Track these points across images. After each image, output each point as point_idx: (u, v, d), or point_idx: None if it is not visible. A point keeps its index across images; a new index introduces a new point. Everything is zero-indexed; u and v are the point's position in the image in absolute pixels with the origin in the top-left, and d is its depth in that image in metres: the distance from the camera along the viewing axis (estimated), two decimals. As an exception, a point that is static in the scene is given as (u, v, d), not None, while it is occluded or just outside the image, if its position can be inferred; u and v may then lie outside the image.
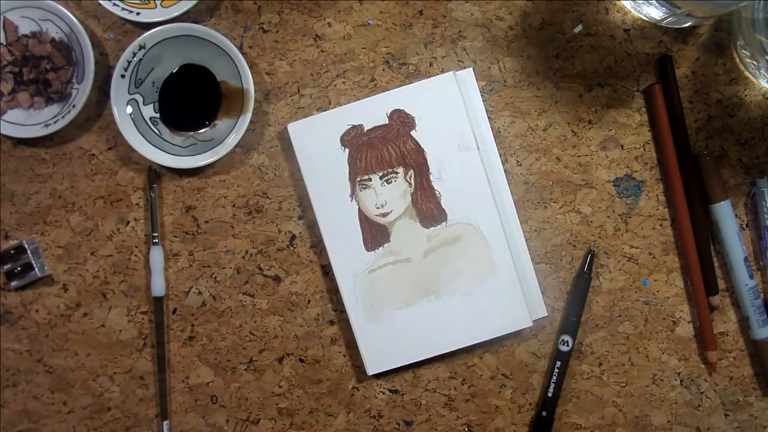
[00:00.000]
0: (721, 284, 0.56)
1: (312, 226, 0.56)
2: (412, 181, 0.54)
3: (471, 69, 0.55)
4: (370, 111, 0.54)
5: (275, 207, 0.56)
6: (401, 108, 0.54)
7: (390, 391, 0.56)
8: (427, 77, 0.55)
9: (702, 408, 0.56)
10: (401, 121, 0.54)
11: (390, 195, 0.54)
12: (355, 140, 0.54)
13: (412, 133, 0.54)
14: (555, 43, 0.56)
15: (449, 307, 0.54)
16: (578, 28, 0.56)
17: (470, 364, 0.56)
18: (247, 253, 0.56)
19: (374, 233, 0.54)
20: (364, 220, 0.54)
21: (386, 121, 0.54)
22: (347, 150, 0.54)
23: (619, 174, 0.56)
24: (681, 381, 0.56)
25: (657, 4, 0.53)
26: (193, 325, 0.56)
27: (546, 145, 0.56)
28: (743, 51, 0.55)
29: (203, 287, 0.56)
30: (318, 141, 0.54)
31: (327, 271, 0.56)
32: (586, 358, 0.56)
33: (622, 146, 0.56)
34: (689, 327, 0.56)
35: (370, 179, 0.54)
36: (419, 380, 0.56)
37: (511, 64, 0.56)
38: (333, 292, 0.56)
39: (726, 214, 0.55)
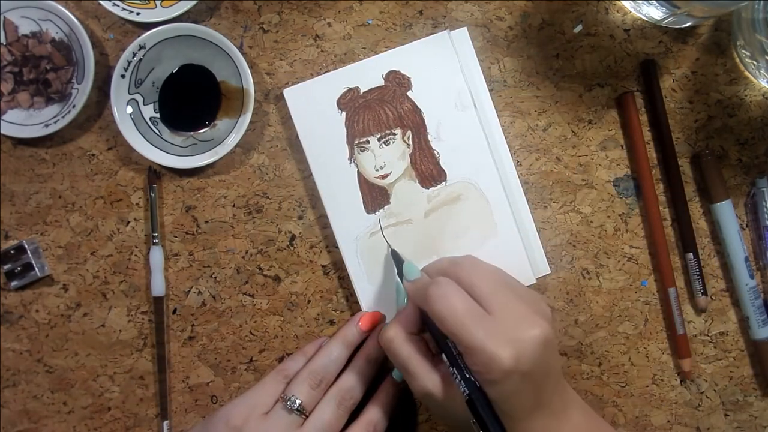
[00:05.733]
0: (721, 284, 0.56)
1: (312, 227, 0.56)
2: (410, 142, 0.54)
3: (465, 29, 0.55)
4: (366, 73, 0.54)
5: (275, 207, 0.56)
6: (396, 69, 0.54)
7: (390, 391, 0.56)
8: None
9: (702, 408, 0.56)
10: (397, 82, 0.54)
11: (388, 157, 0.54)
12: (352, 103, 0.54)
13: (409, 93, 0.54)
14: (555, 43, 0.56)
15: None
16: (578, 28, 0.56)
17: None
18: (247, 253, 0.56)
19: (374, 195, 0.54)
20: (364, 182, 0.54)
21: (382, 82, 0.54)
22: (344, 113, 0.54)
23: (619, 174, 0.56)
24: (681, 381, 0.56)
25: (657, 4, 0.53)
26: (193, 325, 0.56)
27: (546, 145, 0.56)
28: (743, 51, 0.54)
29: (203, 287, 0.56)
30: (315, 105, 0.54)
31: (327, 271, 0.56)
32: (586, 358, 0.56)
33: (622, 146, 0.56)
34: (690, 326, 0.56)
35: (368, 141, 0.54)
36: (419, 380, 0.56)
37: (511, 64, 0.56)
38: (333, 292, 0.56)
39: (727, 214, 0.55)
